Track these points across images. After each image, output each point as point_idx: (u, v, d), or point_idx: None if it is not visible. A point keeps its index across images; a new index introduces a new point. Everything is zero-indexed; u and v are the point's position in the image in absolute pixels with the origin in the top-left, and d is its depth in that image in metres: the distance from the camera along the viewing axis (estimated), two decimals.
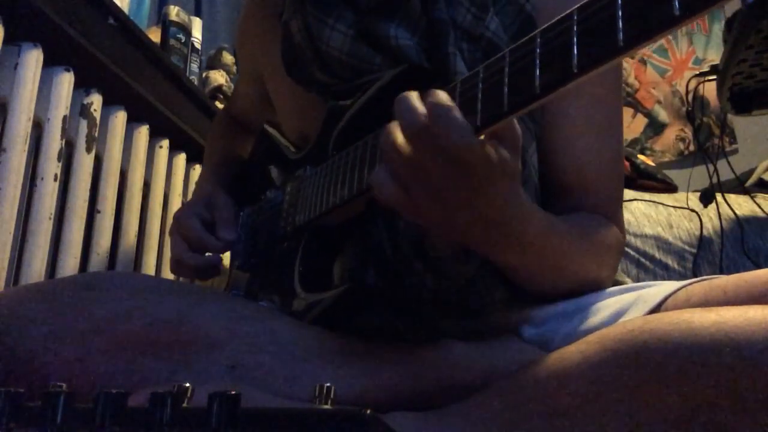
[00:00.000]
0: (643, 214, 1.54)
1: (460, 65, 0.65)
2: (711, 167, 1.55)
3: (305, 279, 0.71)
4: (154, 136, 1.45)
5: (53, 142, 1.14)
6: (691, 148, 2.45)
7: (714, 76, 1.49)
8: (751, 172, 1.75)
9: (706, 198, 1.52)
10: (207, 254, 0.82)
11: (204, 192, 0.92)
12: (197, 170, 1.62)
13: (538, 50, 0.43)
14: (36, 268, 1.09)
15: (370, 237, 0.68)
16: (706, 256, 1.47)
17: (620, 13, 0.39)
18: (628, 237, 1.47)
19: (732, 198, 1.54)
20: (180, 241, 0.82)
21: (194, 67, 1.66)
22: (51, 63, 1.16)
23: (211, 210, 0.84)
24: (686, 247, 1.48)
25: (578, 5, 0.41)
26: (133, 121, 1.38)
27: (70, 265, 1.16)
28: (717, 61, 1.49)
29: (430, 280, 0.65)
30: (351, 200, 0.63)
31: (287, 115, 0.86)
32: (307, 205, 0.72)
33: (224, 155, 1.02)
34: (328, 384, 0.29)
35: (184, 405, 0.27)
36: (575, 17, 0.41)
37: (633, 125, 2.59)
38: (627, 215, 1.52)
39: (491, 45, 0.66)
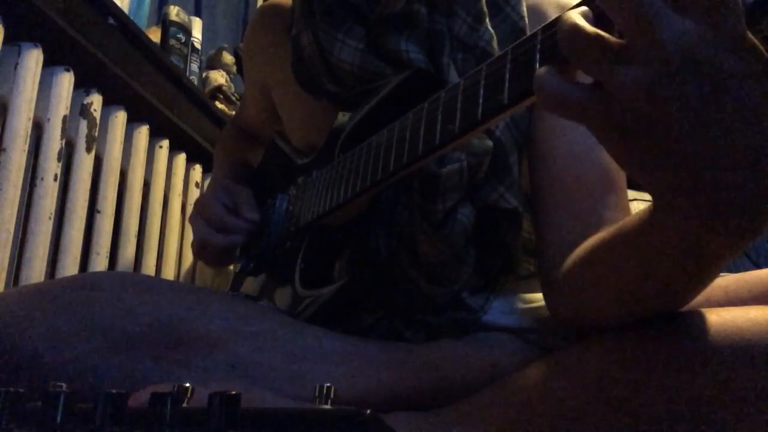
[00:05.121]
0: None
1: (453, 75, 0.66)
2: None
3: (305, 277, 0.72)
4: (154, 136, 1.45)
5: (53, 142, 1.14)
6: None
7: None
8: None
9: None
10: (232, 236, 0.82)
11: (222, 183, 0.92)
12: (197, 170, 1.62)
13: (508, 66, 0.46)
14: (36, 268, 1.09)
15: (368, 239, 0.68)
16: None
17: None
18: None
19: None
20: (203, 224, 0.83)
21: (194, 67, 1.66)
22: (51, 63, 1.16)
23: (233, 195, 0.85)
24: None
25: (543, 25, 0.43)
26: (133, 121, 1.38)
27: (70, 265, 1.16)
28: None
29: (424, 287, 0.65)
30: (359, 195, 0.64)
31: (295, 126, 0.87)
32: (312, 205, 0.73)
33: (234, 164, 1.03)
34: (328, 384, 0.29)
35: (184, 405, 0.27)
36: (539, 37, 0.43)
37: None
38: None
39: (485, 54, 0.67)
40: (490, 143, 0.64)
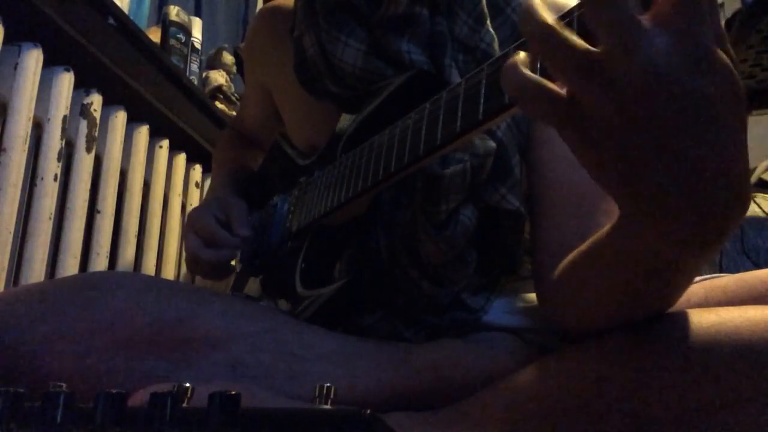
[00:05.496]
0: None
1: (455, 76, 0.66)
2: None
3: (306, 277, 0.72)
4: (154, 136, 1.45)
5: (53, 142, 1.14)
6: None
7: None
8: (751, 172, 1.75)
9: None
10: (222, 251, 0.82)
11: (217, 195, 0.92)
12: (197, 170, 1.62)
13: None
14: (36, 268, 1.09)
15: (369, 240, 0.68)
16: None
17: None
18: None
19: None
20: (195, 238, 0.82)
21: (194, 67, 1.66)
22: (51, 63, 1.16)
23: (226, 210, 0.85)
24: None
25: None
26: (133, 121, 1.38)
27: (70, 265, 1.16)
28: None
29: (425, 287, 0.65)
30: (360, 195, 0.64)
31: (297, 127, 0.87)
32: (314, 205, 0.73)
33: (234, 166, 1.03)
34: (328, 384, 0.29)
35: (184, 405, 0.27)
36: None
37: None
38: None
39: (485, 56, 0.67)
40: (492, 144, 0.64)
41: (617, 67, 0.34)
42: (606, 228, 0.47)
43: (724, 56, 0.34)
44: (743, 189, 0.36)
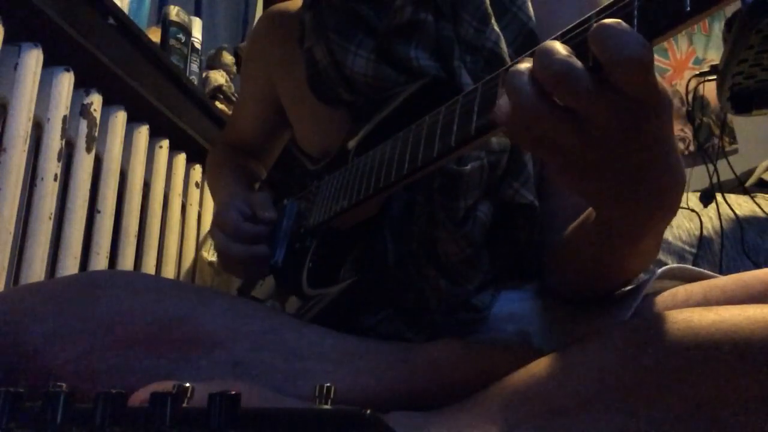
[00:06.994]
0: None
1: (465, 77, 0.67)
2: (711, 167, 1.55)
3: (313, 277, 0.72)
4: (154, 136, 1.45)
5: (53, 142, 1.14)
6: (691, 148, 2.45)
7: (714, 76, 1.49)
8: (751, 172, 1.75)
9: (706, 198, 1.52)
10: (250, 247, 0.79)
11: (236, 192, 0.90)
12: (197, 170, 1.62)
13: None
14: (36, 268, 1.09)
15: (375, 242, 0.68)
16: (706, 256, 1.46)
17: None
18: None
19: (732, 198, 1.54)
20: (220, 234, 0.80)
21: (194, 67, 1.66)
22: (51, 63, 1.16)
23: (248, 201, 0.82)
24: (686, 247, 1.48)
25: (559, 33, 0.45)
26: (133, 121, 1.38)
27: (70, 265, 1.16)
28: (717, 61, 1.49)
29: (442, 286, 0.65)
30: (371, 197, 0.64)
31: (307, 132, 0.87)
32: (324, 206, 0.73)
33: (241, 172, 1.00)
34: (328, 384, 0.29)
35: (184, 405, 0.27)
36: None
37: None
38: None
39: (492, 54, 0.68)
40: (507, 140, 0.65)
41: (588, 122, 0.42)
42: (587, 213, 0.59)
43: (659, 81, 0.43)
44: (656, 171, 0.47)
